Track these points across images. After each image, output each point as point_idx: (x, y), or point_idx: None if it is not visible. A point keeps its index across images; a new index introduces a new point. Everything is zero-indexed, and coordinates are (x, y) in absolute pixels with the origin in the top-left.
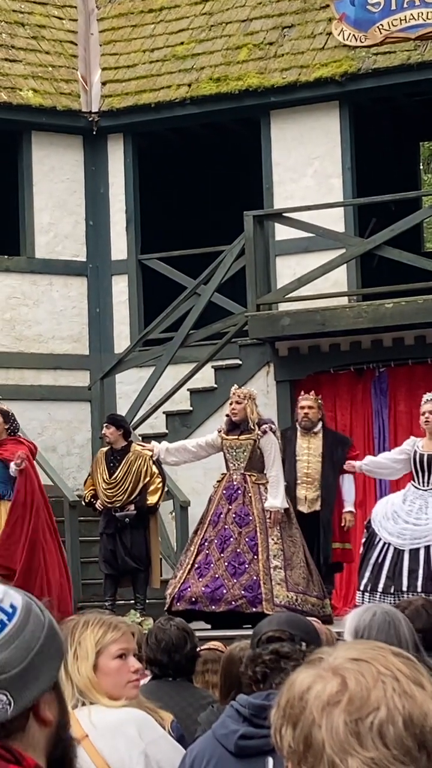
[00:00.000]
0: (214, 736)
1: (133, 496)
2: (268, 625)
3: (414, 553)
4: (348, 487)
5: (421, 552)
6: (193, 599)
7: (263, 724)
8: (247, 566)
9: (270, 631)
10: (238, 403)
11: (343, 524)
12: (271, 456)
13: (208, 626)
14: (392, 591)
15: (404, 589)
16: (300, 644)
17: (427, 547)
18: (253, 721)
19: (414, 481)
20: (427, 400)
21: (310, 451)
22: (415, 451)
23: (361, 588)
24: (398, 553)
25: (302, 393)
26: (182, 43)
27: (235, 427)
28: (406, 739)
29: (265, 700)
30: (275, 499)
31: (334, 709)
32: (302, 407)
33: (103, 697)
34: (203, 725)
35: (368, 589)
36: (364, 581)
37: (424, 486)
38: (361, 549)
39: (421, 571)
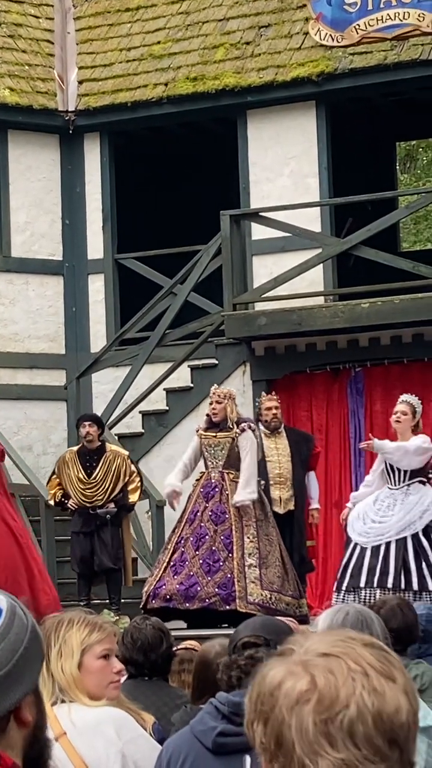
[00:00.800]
0: (191, 733)
1: (113, 495)
2: (243, 631)
3: (375, 550)
4: (313, 484)
5: (382, 549)
6: (168, 597)
7: (242, 722)
8: (221, 564)
9: (245, 637)
10: (218, 402)
11: (310, 521)
12: (245, 450)
13: (185, 625)
14: (352, 588)
15: (362, 585)
16: (275, 649)
17: (387, 544)
18: (232, 718)
19: (388, 482)
20: (402, 400)
21: (278, 451)
22: None
23: (335, 587)
24: (362, 551)
25: (263, 394)
26: (159, 43)
27: (214, 425)
28: (376, 738)
29: (245, 698)
30: (237, 496)
31: (304, 708)
32: (269, 408)
33: (84, 696)
34: (177, 725)
35: (336, 587)
36: (337, 581)
37: (396, 485)
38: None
39: (378, 567)
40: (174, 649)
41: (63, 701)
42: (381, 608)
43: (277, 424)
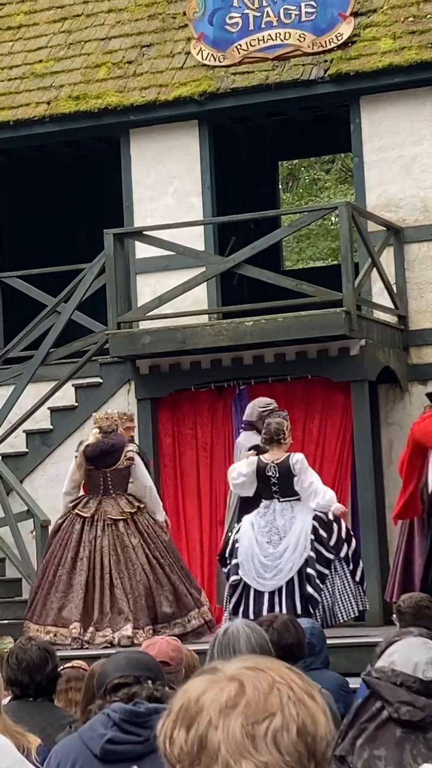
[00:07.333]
0: (80, 739)
1: None
2: (111, 673)
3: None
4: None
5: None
6: None
7: (132, 730)
8: None
9: (115, 679)
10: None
11: None
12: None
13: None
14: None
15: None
16: (146, 683)
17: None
18: (123, 726)
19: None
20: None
21: None
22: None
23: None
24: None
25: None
26: (41, 61)
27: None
28: (299, 746)
29: (135, 706)
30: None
31: (232, 711)
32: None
33: None
34: None
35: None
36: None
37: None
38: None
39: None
40: (59, 669)
41: None
42: (272, 623)
43: None
